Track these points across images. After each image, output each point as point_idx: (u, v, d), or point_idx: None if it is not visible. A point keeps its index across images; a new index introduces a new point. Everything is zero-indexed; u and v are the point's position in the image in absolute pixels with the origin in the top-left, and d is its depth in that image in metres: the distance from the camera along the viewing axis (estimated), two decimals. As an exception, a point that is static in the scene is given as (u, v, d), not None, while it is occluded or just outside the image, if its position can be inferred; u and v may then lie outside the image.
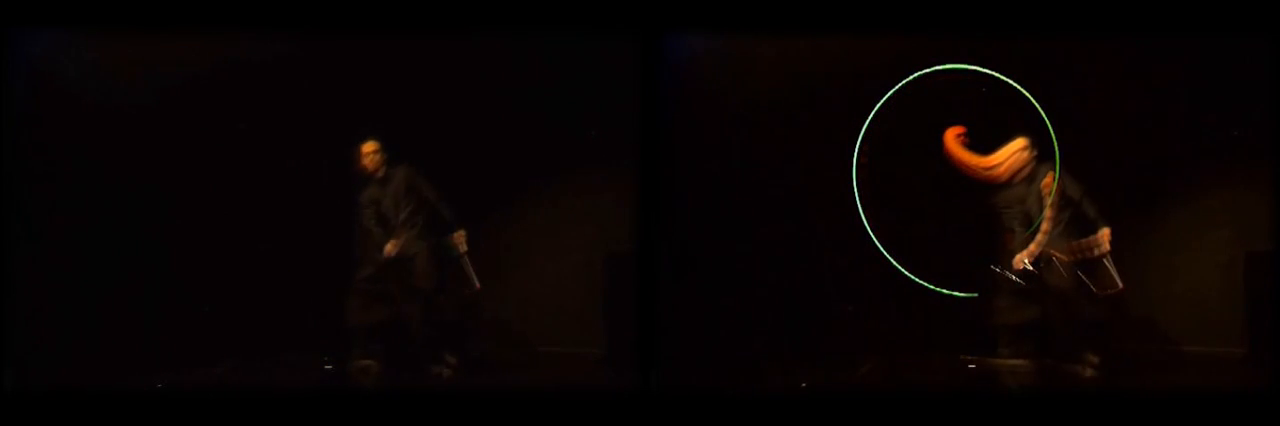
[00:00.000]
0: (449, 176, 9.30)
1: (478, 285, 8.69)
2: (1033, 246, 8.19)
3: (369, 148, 8.70)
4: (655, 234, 8.07)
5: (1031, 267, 8.19)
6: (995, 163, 8.45)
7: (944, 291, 8.30)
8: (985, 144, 8.54)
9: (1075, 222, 8.33)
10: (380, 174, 8.72)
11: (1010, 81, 8.27)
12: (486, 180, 9.39)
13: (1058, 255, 8.17)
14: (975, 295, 8.45)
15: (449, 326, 8.83)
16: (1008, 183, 8.46)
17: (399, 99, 9.20)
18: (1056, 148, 8.22)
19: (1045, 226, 8.18)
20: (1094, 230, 8.24)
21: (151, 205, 8.82)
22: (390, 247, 8.50)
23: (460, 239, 8.72)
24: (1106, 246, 8.16)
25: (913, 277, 8.26)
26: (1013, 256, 8.28)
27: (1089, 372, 8.02)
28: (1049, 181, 8.19)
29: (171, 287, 8.85)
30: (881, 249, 8.25)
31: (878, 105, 8.26)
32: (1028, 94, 8.22)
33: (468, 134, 9.23)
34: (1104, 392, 7.78)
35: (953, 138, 8.49)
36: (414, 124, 9.29)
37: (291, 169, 8.87)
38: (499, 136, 9.23)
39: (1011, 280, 8.28)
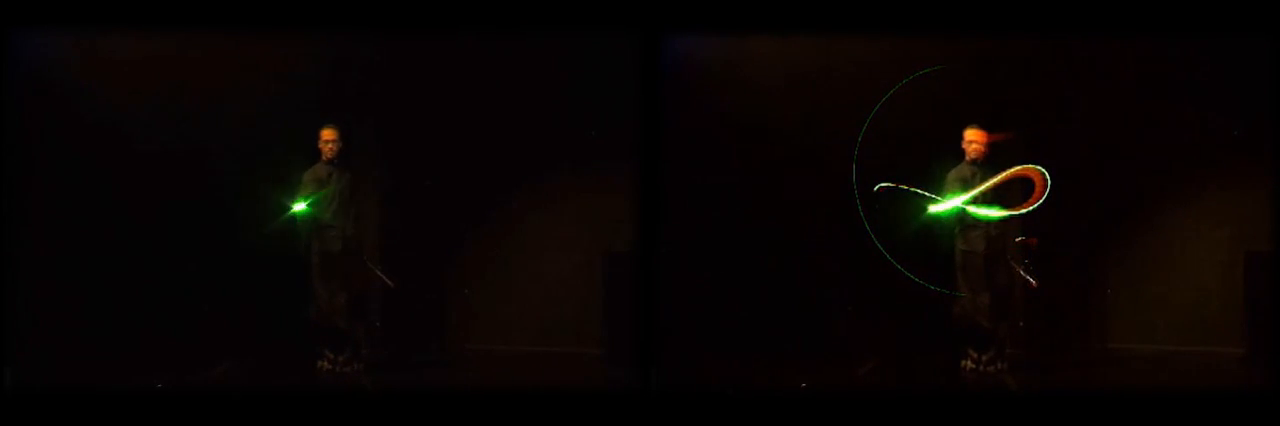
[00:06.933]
0: (449, 175, 9.32)
1: (392, 284, 8.65)
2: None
3: (328, 135, 8.45)
4: (655, 234, 8.08)
5: (1029, 264, 8.20)
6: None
7: (944, 291, 8.29)
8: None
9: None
10: (335, 161, 8.50)
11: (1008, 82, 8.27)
12: (486, 179, 9.40)
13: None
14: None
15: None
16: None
17: (400, 98, 9.21)
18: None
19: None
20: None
21: (150, 205, 8.81)
22: None
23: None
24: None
25: (912, 277, 8.25)
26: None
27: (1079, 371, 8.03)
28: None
29: (170, 287, 8.84)
30: (881, 248, 8.24)
31: (878, 104, 8.24)
32: (1025, 94, 8.23)
33: (468, 133, 9.24)
34: (1104, 392, 7.77)
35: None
36: (414, 123, 9.30)
37: (290, 168, 8.85)
38: (499, 136, 9.23)
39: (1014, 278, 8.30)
